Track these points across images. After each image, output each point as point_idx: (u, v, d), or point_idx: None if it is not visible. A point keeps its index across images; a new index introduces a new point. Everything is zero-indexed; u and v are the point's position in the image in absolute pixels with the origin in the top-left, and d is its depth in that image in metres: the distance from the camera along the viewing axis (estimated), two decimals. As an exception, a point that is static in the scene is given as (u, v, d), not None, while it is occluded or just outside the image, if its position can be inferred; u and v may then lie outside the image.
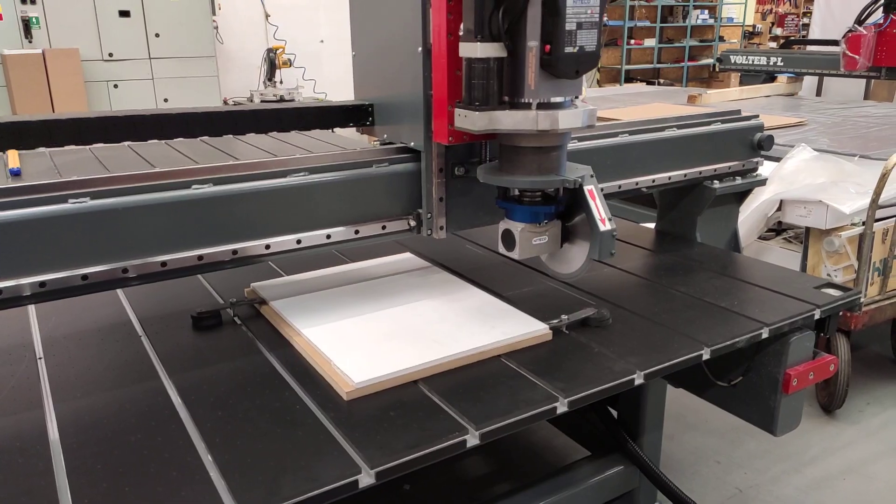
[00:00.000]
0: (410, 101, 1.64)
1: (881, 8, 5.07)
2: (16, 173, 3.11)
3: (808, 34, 10.25)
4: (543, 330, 1.64)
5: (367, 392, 1.41)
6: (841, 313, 1.97)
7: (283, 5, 8.59)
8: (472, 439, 1.28)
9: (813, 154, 3.29)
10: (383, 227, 1.69)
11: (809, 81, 7.35)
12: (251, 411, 1.36)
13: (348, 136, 3.89)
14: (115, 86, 7.02)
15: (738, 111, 2.42)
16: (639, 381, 1.50)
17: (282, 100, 7.82)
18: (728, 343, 1.65)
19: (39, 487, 1.15)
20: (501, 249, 1.63)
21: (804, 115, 4.82)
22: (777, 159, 3.27)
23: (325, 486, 1.14)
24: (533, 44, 1.38)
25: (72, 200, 1.34)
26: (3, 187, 1.31)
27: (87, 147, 3.68)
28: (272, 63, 8.07)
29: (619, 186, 2.13)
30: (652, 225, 2.63)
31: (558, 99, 1.44)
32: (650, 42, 12.69)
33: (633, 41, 12.50)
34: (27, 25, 6.55)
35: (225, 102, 7.84)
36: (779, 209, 3.01)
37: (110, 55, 6.96)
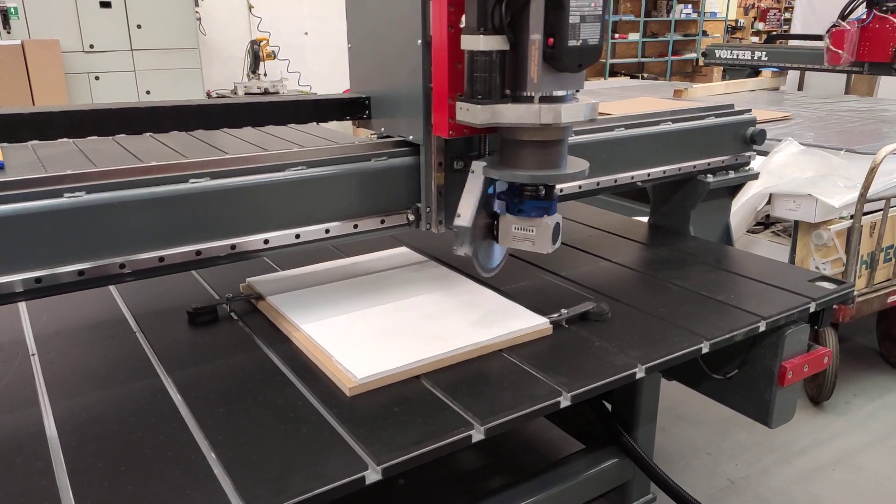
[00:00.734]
0: (409, 94, 1.63)
1: (864, 3, 5.12)
2: (-1, 167, 3.05)
3: (789, 29, 10.35)
4: (544, 324, 1.64)
5: (369, 388, 1.40)
6: (833, 307, 1.99)
7: (266, -3, 8.52)
8: (478, 434, 1.28)
9: (800, 148, 3.32)
10: (382, 222, 1.68)
11: (791, 76, 7.42)
12: (253, 408, 1.35)
13: (332, 129, 3.87)
14: (97, 78, 6.91)
15: (731, 105, 2.43)
16: (640, 374, 1.50)
17: (266, 92, 7.75)
18: (727, 336, 1.66)
19: (40, 487, 1.13)
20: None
21: (789, 109, 4.86)
22: (765, 153, 3.30)
23: (333, 482, 1.13)
24: (536, 37, 1.37)
25: (67, 195, 1.32)
26: (-2, 181, 1.29)
27: (71, 140, 3.64)
28: (256, 55, 8.00)
29: (616, 181, 2.14)
30: (645, 219, 2.64)
31: (561, 92, 1.43)
32: (634, 36, 12.74)
33: (617, 35, 12.54)
34: (5, 16, 6.42)
35: (208, 95, 7.76)
36: (768, 203, 3.03)
37: (91, 47, 6.84)
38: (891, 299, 3.02)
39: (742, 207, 3.07)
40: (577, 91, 1.48)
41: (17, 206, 1.27)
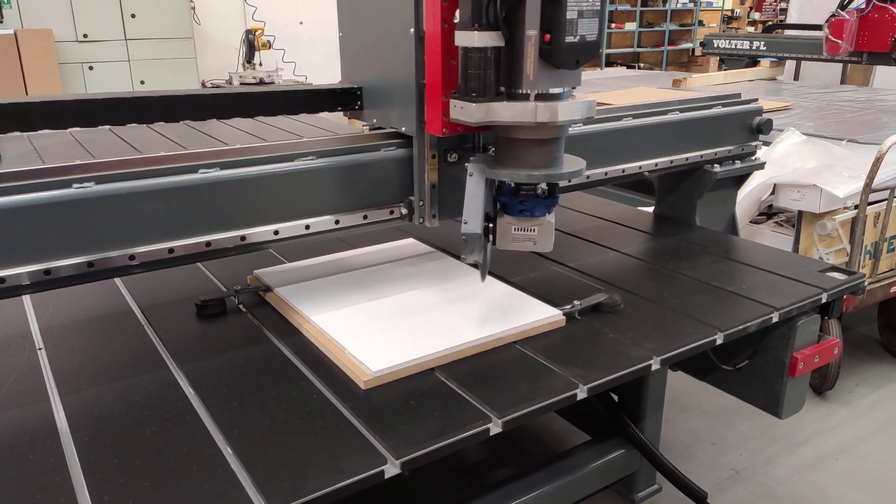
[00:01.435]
0: (401, 86, 1.59)
1: (864, -7, 5.11)
2: (-4, 157, 3.01)
3: (785, 18, 10.33)
4: (557, 316, 1.63)
5: (384, 381, 1.38)
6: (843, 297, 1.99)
7: (261, -15, 8.44)
8: (495, 427, 1.27)
9: (802, 138, 3.32)
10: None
11: (788, 66, 7.41)
12: (268, 402, 1.33)
13: (328, 119, 3.84)
14: (91, 67, 6.84)
15: (738, 95, 2.42)
16: (656, 366, 1.50)
17: (261, 82, 7.69)
18: (740, 327, 1.65)
19: (54, 484, 1.11)
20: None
21: (788, 99, 4.85)
22: (767, 144, 3.29)
23: (352, 477, 1.12)
24: (532, 33, 1.33)
25: (76, 185, 1.29)
26: (4, 172, 1.26)
27: (67, 130, 3.59)
28: (251, 45, 7.93)
29: (623, 170, 2.12)
30: (649, 209, 2.63)
31: (557, 90, 1.39)
32: (630, 26, 12.71)
33: (613, 25, 12.50)
34: (-3, 5, 6.34)
35: (203, 85, 7.69)
36: (772, 193, 3.02)
37: (85, 36, 6.77)
38: (894, 289, 3.02)
39: (746, 198, 3.06)
40: (574, 88, 1.44)
41: (26, 196, 1.25)
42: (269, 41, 8.15)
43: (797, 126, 3.64)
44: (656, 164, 2.18)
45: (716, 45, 6.72)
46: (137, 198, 1.34)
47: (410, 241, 2.16)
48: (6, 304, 1.72)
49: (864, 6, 5.17)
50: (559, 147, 1.48)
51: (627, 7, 12.70)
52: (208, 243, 1.44)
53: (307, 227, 1.55)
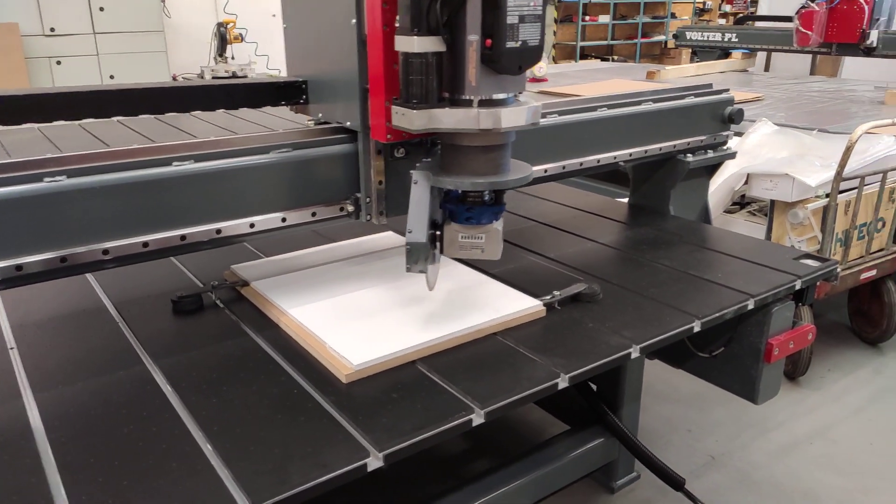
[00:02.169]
0: (345, 80, 1.54)
1: (833, -16, 5.18)
2: (-38, 154, 2.94)
3: (756, 11, 10.46)
4: (537, 306, 1.63)
5: (365, 374, 1.38)
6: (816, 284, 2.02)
7: (232, -23, 8.32)
8: (478, 418, 1.27)
9: (774, 128, 3.36)
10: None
11: (759, 58, 7.51)
12: (248, 397, 1.32)
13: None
14: (58, 62, 6.70)
15: (710, 85, 2.44)
16: (635, 354, 1.51)
17: (234, 76, 7.61)
18: (717, 315, 1.67)
19: (30, 485, 1.09)
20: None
21: (759, 90, 4.92)
22: (739, 134, 3.33)
23: (335, 471, 1.11)
24: (473, 38, 1.30)
25: (48, 179, 1.27)
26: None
27: (35, 126, 3.52)
28: (223, 38, 7.83)
29: (598, 161, 2.13)
30: (625, 200, 2.65)
31: (501, 96, 1.36)
32: (604, 18, 12.76)
33: (587, 17, 12.55)
34: (-40, -2, 6.18)
35: (174, 79, 7.58)
36: (745, 183, 3.06)
37: (52, 30, 6.62)
38: (863, 276, 3.08)
39: (720, 188, 3.09)
40: (519, 94, 1.42)
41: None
42: (241, 34, 8.05)
43: (769, 116, 3.69)
44: (631, 154, 2.20)
45: (688, 38, 6.78)
46: (110, 191, 1.32)
47: (389, 233, 2.15)
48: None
49: (833, -3, 5.25)
50: (505, 153, 1.45)
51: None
52: (183, 237, 1.42)
53: (283, 219, 1.53)
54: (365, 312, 1.60)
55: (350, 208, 1.61)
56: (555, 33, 12.51)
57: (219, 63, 7.85)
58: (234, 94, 1.76)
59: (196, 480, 1.09)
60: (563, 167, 2.06)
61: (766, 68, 7.85)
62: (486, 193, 1.45)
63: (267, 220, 1.52)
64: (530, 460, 2.09)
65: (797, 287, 1.86)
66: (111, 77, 7.00)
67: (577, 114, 2.04)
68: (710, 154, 2.44)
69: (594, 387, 2.33)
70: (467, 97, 1.34)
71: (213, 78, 7.58)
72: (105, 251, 1.34)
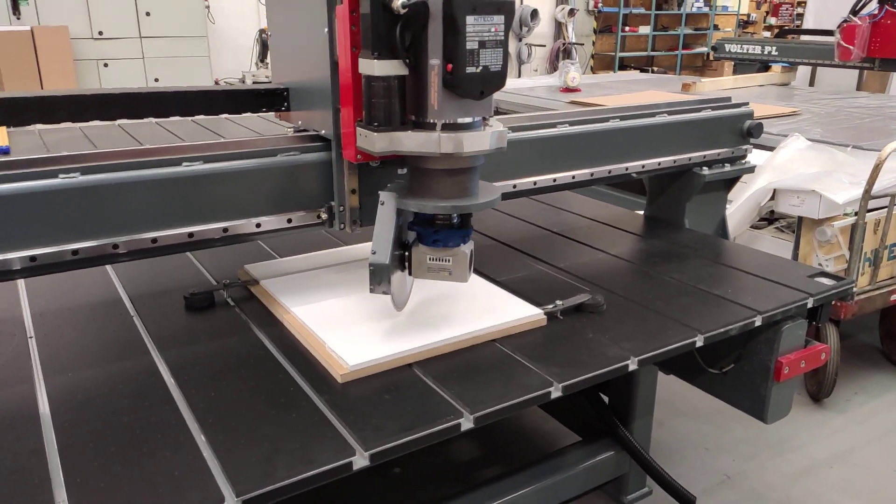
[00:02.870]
0: (319, 88, 1.55)
1: (876, -1, 5.07)
2: (5, 151, 3.08)
3: (801, 24, 10.26)
4: (538, 315, 1.64)
5: (361, 375, 1.40)
6: (832, 303, 1.98)
7: (275, -15, 8.48)
8: (467, 423, 1.28)
9: (806, 144, 3.30)
10: (288, 221, 1.60)
11: (803, 71, 7.35)
12: (245, 392, 1.36)
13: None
14: (105, 65, 6.94)
15: (729, 98, 2.42)
16: (633, 366, 1.50)
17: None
18: (721, 330, 1.65)
19: (31, 465, 1.14)
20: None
21: (797, 104, 4.82)
22: (770, 148, 3.28)
23: (320, 467, 1.13)
24: (435, 62, 1.29)
25: (62, 175, 1.33)
26: (-4, 162, 1.30)
27: (77, 125, 3.66)
28: (264, 44, 7.98)
29: (609, 171, 2.13)
30: (641, 211, 2.63)
31: (465, 120, 1.34)
32: (645, 29, 12.66)
33: (627, 28, 12.46)
34: (15, 2, 6.45)
35: (216, 83, 7.77)
36: (772, 198, 3.01)
37: (100, 33, 6.87)
38: (894, 297, 3.00)
39: (745, 202, 3.05)
40: (487, 118, 1.40)
41: (13, 185, 1.28)
42: (282, 40, 8.20)
43: (804, 132, 3.62)
44: (643, 166, 2.19)
45: (727, 50, 6.68)
46: (121, 188, 1.37)
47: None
48: (1, 292, 1.77)
49: (876, 12, 5.13)
50: (471, 177, 1.44)
51: (642, 10, 12.67)
52: (191, 234, 1.48)
53: (289, 220, 1.57)
54: (369, 315, 1.62)
55: (324, 216, 1.61)
56: (593, 43, 12.46)
57: (259, 68, 8.01)
58: (214, 101, 1.79)
59: (186, 469, 1.13)
60: (574, 177, 2.06)
61: (811, 83, 7.68)
62: (453, 216, 1.45)
63: (242, 225, 1.54)
64: (539, 469, 2.09)
65: (809, 305, 1.83)
66: (156, 80, 7.22)
67: (588, 124, 2.05)
68: (728, 168, 2.41)
69: (606, 399, 2.32)
70: (430, 120, 1.34)
71: (254, 83, 7.74)
72: (115, 245, 1.39)
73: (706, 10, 13.29)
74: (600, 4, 12.10)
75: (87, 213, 1.36)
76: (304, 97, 1.69)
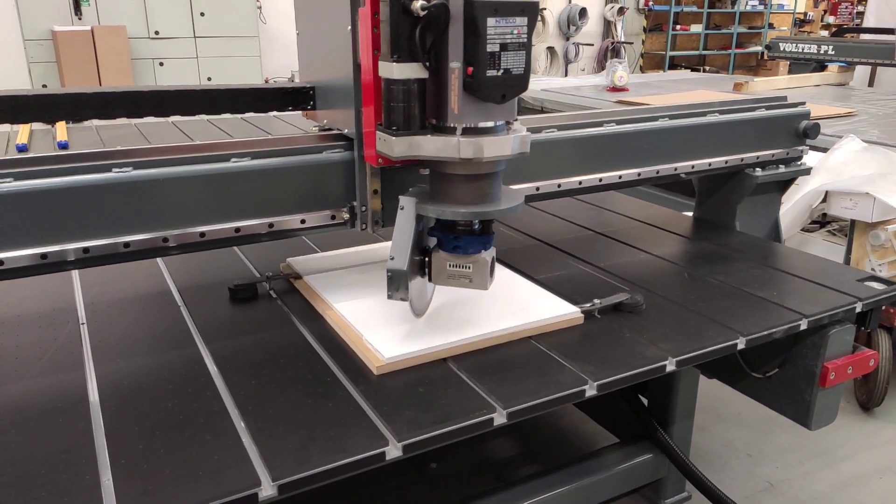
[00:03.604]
0: (342, 87, 1.54)
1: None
2: (63, 146, 3.20)
3: (862, 23, 9.92)
4: (575, 313, 1.63)
5: (396, 367, 1.42)
6: (884, 308, 1.92)
7: (326, -14, 8.60)
8: (500, 418, 1.29)
9: (862, 145, 3.20)
10: (332, 218, 1.60)
11: (861, 72, 7.12)
12: (284, 381, 1.39)
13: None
14: (161, 63, 7.15)
15: (784, 98, 2.36)
16: (670, 367, 1.48)
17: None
18: (764, 333, 1.62)
19: (79, 446, 1.19)
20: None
21: (854, 105, 4.67)
22: (824, 150, 3.19)
23: (354, 456, 1.16)
24: (455, 65, 1.26)
25: (115, 170, 1.38)
26: (50, 155, 1.36)
27: (132, 122, 3.79)
28: (313, 43, 8.10)
29: (657, 172, 2.10)
30: (690, 213, 2.59)
31: (487, 124, 1.32)
32: (697, 28, 12.41)
33: (678, 27, 12.24)
34: (77, 3, 6.70)
35: (266, 82, 7.92)
36: (824, 200, 2.93)
37: (156, 33, 7.08)
38: (952, 305, 2.89)
39: (796, 204, 2.98)
40: (511, 122, 1.37)
41: (69, 178, 1.33)
42: (331, 40, 8.31)
43: (860, 133, 3.51)
44: (693, 167, 2.16)
45: (782, 49, 6.52)
46: (171, 183, 1.42)
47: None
48: (56, 283, 1.85)
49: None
50: (492, 182, 1.40)
51: (694, 8, 12.43)
52: (237, 229, 1.51)
53: (332, 217, 1.60)
54: (406, 310, 1.63)
55: (346, 216, 1.61)
56: (643, 42, 12.28)
57: (308, 67, 8.13)
58: (241, 99, 1.81)
59: (225, 454, 1.16)
60: (620, 177, 2.04)
61: (870, 83, 7.44)
62: (475, 222, 1.42)
63: (287, 221, 1.56)
64: (576, 469, 2.08)
65: (858, 310, 1.78)
66: (209, 79, 7.40)
67: (636, 123, 2.02)
68: (782, 169, 2.35)
69: (645, 401, 2.29)
70: (450, 125, 1.31)
71: (303, 81, 7.86)
72: (165, 239, 1.44)
73: (761, 8, 12.96)
74: (651, 2, 11.91)
75: (139, 207, 1.40)
76: (328, 96, 1.69)
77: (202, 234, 1.48)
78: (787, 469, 2.63)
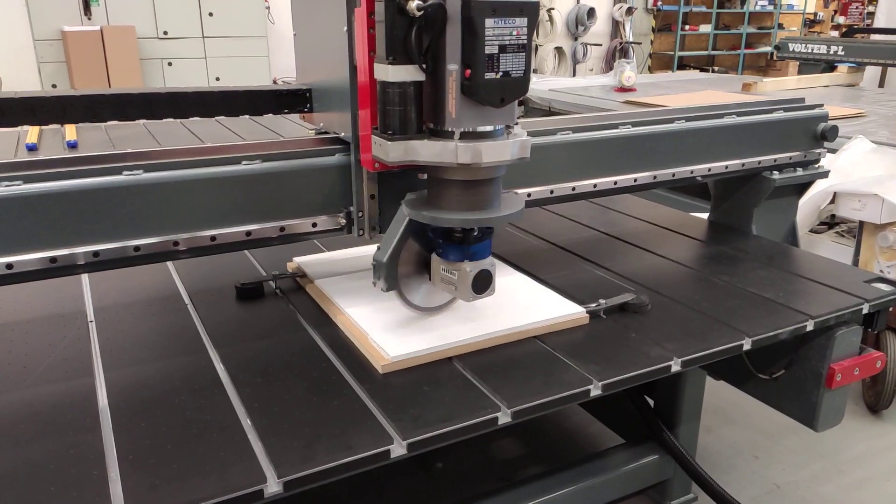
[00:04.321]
0: (338, 90, 1.51)
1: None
2: (73, 145, 3.22)
3: (872, 23, 9.86)
4: (580, 313, 1.64)
5: (401, 366, 1.43)
6: (891, 310, 1.91)
7: (333, -14, 8.61)
8: (504, 417, 1.29)
9: (871, 146, 3.19)
10: (281, 230, 1.55)
11: (872, 72, 7.07)
12: (289, 380, 1.40)
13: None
14: (170, 63, 7.19)
15: (802, 99, 2.34)
16: (675, 367, 1.49)
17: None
18: (770, 334, 1.62)
19: (86, 442, 1.21)
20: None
21: (864, 106, 4.65)
22: (832, 151, 3.18)
23: (359, 454, 1.16)
24: (453, 67, 1.23)
25: (126, 173, 1.37)
26: (60, 158, 1.36)
27: (141, 122, 3.80)
28: (321, 44, 8.12)
29: (673, 175, 2.08)
30: (705, 215, 2.57)
31: (485, 128, 1.28)
32: (706, 28, 12.37)
33: (687, 27, 12.20)
34: (87, 3, 6.74)
35: (274, 82, 7.95)
36: (832, 202, 2.92)
37: (165, 33, 7.11)
38: (962, 307, 2.87)
39: (805, 206, 2.96)
40: (511, 126, 1.33)
41: (79, 181, 1.33)
42: (339, 40, 8.32)
43: (869, 134, 3.49)
44: (709, 169, 2.13)
45: (791, 49, 6.49)
46: (182, 187, 1.41)
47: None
48: (66, 283, 1.86)
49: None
50: (490, 189, 1.36)
51: (703, 8, 12.38)
52: (248, 233, 1.50)
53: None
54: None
55: (342, 221, 1.57)
56: (651, 42, 12.24)
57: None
58: (234, 102, 1.80)
59: (231, 450, 1.17)
60: (635, 180, 2.02)
61: (881, 84, 7.39)
62: (472, 230, 1.40)
63: (298, 225, 1.55)
64: (582, 469, 2.09)
65: (865, 311, 1.77)
66: (217, 79, 7.43)
67: (651, 125, 2.01)
68: (800, 172, 2.32)
69: (651, 402, 2.29)
70: (448, 129, 1.28)
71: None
72: (175, 242, 1.45)
73: (770, 8, 12.90)
74: (659, 3, 11.88)
75: (150, 210, 1.39)
76: (325, 98, 1.67)
77: (213, 238, 1.48)
78: (794, 471, 2.62)
